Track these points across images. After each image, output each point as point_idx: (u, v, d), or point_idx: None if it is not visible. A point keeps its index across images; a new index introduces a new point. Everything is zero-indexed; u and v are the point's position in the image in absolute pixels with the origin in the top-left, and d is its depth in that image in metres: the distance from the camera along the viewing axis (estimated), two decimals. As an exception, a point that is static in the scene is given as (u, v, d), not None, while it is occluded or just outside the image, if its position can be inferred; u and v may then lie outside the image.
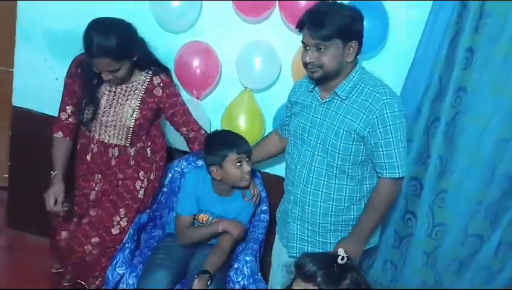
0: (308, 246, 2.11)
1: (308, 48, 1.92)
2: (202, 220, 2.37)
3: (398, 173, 1.94)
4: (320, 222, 2.07)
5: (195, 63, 2.50)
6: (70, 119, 2.31)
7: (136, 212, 2.39)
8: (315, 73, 1.94)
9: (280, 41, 2.51)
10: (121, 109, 2.26)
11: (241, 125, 2.52)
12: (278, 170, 2.66)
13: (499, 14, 2.11)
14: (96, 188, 2.36)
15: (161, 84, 2.29)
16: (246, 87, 2.56)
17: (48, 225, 2.89)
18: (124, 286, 2.25)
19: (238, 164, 2.23)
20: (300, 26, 1.93)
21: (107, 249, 2.36)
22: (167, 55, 2.50)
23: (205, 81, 2.58)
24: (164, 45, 2.55)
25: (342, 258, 1.50)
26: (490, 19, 2.13)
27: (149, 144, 2.39)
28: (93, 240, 2.33)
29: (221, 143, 2.26)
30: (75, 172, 2.43)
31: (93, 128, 2.30)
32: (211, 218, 2.37)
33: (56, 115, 2.79)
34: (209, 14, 2.56)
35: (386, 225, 2.45)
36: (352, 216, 2.06)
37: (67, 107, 2.30)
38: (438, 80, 2.28)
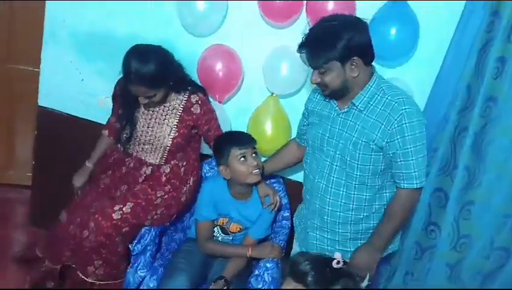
0: (328, 255, 2.09)
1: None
2: (222, 223, 2.37)
3: (416, 183, 1.94)
4: (340, 231, 2.06)
5: (218, 66, 2.49)
6: (117, 123, 2.41)
7: (145, 212, 2.35)
8: (324, 91, 1.96)
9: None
10: (159, 128, 2.31)
11: (267, 130, 2.51)
12: (301, 176, 2.63)
13: (532, 23, 2.07)
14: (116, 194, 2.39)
15: (199, 101, 2.33)
16: (272, 93, 2.54)
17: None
18: (145, 287, 2.26)
19: (243, 159, 2.21)
20: (300, 50, 1.93)
21: (107, 239, 2.32)
22: (190, 58, 2.50)
23: (228, 85, 2.57)
24: (187, 48, 2.56)
25: (338, 262, 1.45)
26: (523, 28, 2.08)
27: (184, 163, 2.41)
28: (91, 224, 2.31)
29: (223, 141, 2.28)
30: (98, 174, 2.49)
31: (132, 146, 2.36)
32: (229, 222, 2.36)
33: (80, 115, 2.86)
34: (235, 18, 2.55)
35: (407, 236, 2.40)
36: (372, 224, 2.05)
37: (114, 116, 2.47)
38: (466, 89, 2.23)
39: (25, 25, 3.08)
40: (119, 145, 2.42)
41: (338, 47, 1.83)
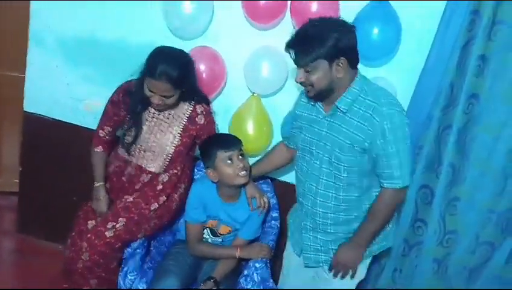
0: (321, 255, 2.13)
1: (298, 68, 1.95)
2: (212, 225, 2.37)
3: (399, 183, 1.95)
4: (332, 231, 2.08)
5: (202, 67, 2.50)
6: (107, 137, 2.40)
7: (137, 226, 2.35)
8: (309, 92, 1.97)
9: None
10: (162, 135, 2.32)
11: (249, 130, 2.52)
12: (288, 176, 2.66)
13: (512, 21, 2.11)
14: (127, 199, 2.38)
15: (204, 112, 2.35)
16: (254, 93, 2.56)
17: (57, 230, 2.93)
18: (134, 291, 2.26)
19: (229, 161, 2.21)
20: (287, 49, 1.95)
21: (101, 257, 2.31)
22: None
23: (211, 86, 2.57)
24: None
25: None
26: (503, 26, 2.12)
27: (180, 172, 2.40)
28: (84, 244, 2.31)
29: (210, 145, 2.27)
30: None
31: (133, 152, 2.34)
32: (218, 224, 2.36)
33: (67, 120, 2.84)
34: (220, 21, 2.56)
35: (395, 233, 2.43)
36: None
37: (105, 128, 2.39)
38: (449, 87, 2.27)
39: (9, 30, 3.07)
40: (120, 152, 2.39)
41: (327, 45, 1.85)
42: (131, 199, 2.35)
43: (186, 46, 2.55)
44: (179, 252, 2.38)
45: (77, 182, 2.83)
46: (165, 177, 2.37)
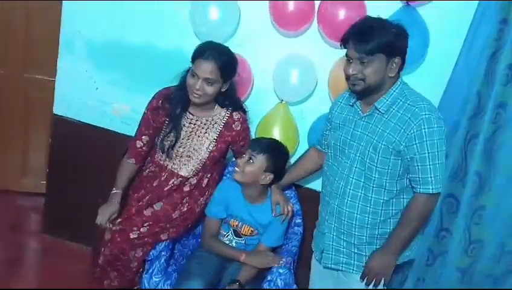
0: (343, 257, 2.11)
1: (351, 60, 1.94)
2: (234, 225, 2.40)
3: (432, 189, 1.94)
4: (356, 233, 2.07)
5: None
6: (144, 148, 2.42)
7: (162, 229, 2.40)
8: (356, 86, 1.95)
9: (317, 55, 2.53)
10: (198, 141, 2.36)
11: (275, 136, 2.53)
12: (313, 184, 2.67)
13: (541, 31, 2.10)
14: (155, 207, 2.40)
15: (240, 119, 2.40)
16: (282, 100, 2.58)
17: (82, 231, 2.98)
18: (159, 293, 2.29)
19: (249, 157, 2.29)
20: (344, 40, 1.96)
21: (120, 253, 2.36)
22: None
23: (238, 92, 2.60)
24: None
25: None
26: (532, 36, 2.11)
27: (208, 176, 2.44)
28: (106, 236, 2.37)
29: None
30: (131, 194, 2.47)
31: (167, 158, 2.37)
32: (240, 223, 2.39)
33: (95, 124, 2.89)
34: (247, 27, 2.60)
35: (419, 242, 2.42)
36: (388, 230, 2.06)
37: (143, 137, 2.41)
38: (476, 96, 2.25)
39: (41, 36, 3.15)
40: (156, 158, 2.41)
41: (388, 39, 1.88)
42: (159, 207, 2.38)
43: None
44: (202, 255, 2.40)
45: (102, 184, 2.85)
46: (193, 180, 2.40)
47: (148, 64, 2.77)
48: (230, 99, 2.38)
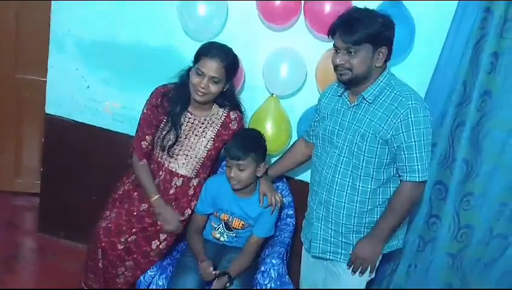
0: (330, 246, 2.14)
1: (339, 50, 1.97)
2: (224, 219, 2.42)
3: (419, 177, 1.97)
4: (344, 222, 2.10)
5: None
6: (149, 147, 2.41)
7: (178, 236, 2.43)
8: (344, 75, 1.99)
9: (305, 48, 2.55)
10: (196, 140, 2.37)
11: (268, 130, 2.56)
12: (305, 175, 2.70)
13: (524, 19, 2.14)
14: (140, 208, 2.40)
15: (237, 118, 2.42)
16: (272, 94, 2.61)
17: (77, 229, 3.01)
18: (154, 287, 2.31)
19: (228, 167, 2.30)
20: (332, 31, 1.99)
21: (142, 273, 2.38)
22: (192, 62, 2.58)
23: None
24: (189, 53, 2.63)
25: None
26: (515, 24, 2.15)
27: (207, 176, 2.47)
28: (127, 263, 2.35)
29: (231, 141, 2.35)
30: (129, 190, 2.46)
31: (164, 155, 2.39)
32: (231, 217, 2.41)
33: (87, 122, 2.91)
34: (235, 22, 2.62)
35: (410, 229, 2.46)
36: (375, 219, 2.09)
37: (146, 137, 2.39)
38: (462, 85, 2.30)
39: (31, 36, 3.16)
40: (156, 153, 2.42)
41: (374, 29, 1.91)
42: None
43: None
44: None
45: (96, 182, 2.91)
46: (195, 182, 2.42)
47: (138, 61, 2.78)
48: (229, 99, 2.40)
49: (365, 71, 1.96)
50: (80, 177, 3.03)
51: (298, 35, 2.55)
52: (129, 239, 2.33)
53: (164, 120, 2.36)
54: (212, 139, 2.39)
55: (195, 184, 2.42)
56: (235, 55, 2.33)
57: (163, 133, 2.36)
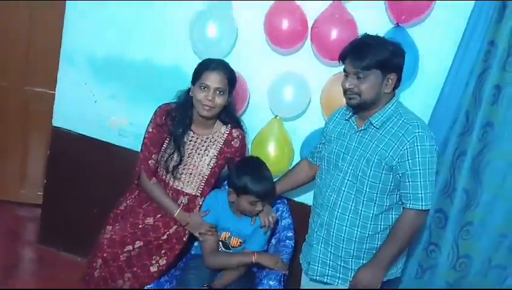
0: (329, 269, 2.14)
1: (349, 75, 2.01)
2: (225, 238, 2.43)
3: (422, 205, 1.98)
4: (344, 246, 2.10)
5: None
6: (156, 165, 2.41)
7: (177, 254, 2.43)
8: (352, 100, 2.02)
9: (310, 72, 2.59)
10: (199, 158, 2.40)
11: (271, 151, 2.59)
12: (306, 198, 2.72)
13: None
14: (146, 222, 2.41)
15: (239, 136, 2.45)
16: (276, 115, 2.64)
17: (78, 243, 3.01)
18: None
19: (253, 204, 2.32)
20: (343, 56, 2.03)
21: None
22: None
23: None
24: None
25: None
26: (518, 58, 2.19)
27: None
28: (126, 275, 2.36)
29: (247, 178, 2.29)
30: (133, 206, 2.47)
31: (169, 175, 2.40)
32: (230, 236, 2.42)
33: (93, 136, 2.93)
34: (243, 45, 2.67)
35: (409, 256, 2.46)
36: (376, 245, 2.09)
37: (153, 156, 2.39)
38: (464, 115, 2.33)
39: (42, 48, 3.21)
40: (160, 172, 2.42)
41: (384, 55, 1.95)
42: (173, 230, 2.40)
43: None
44: (197, 266, 2.43)
45: (99, 195, 2.92)
46: (200, 200, 2.44)
47: (146, 79, 2.83)
48: (230, 115, 2.43)
49: (373, 97, 1.99)
50: (82, 190, 3.04)
51: (305, 59, 2.59)
52: (132, 251, 2.34)
53: (167, 139, 2.38)
54: (215, 157, 2.40)
55: (200, 203, 2.44)
56: (231, 68, 2.37)
57: (167, 154, 2.37)
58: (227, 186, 2.44)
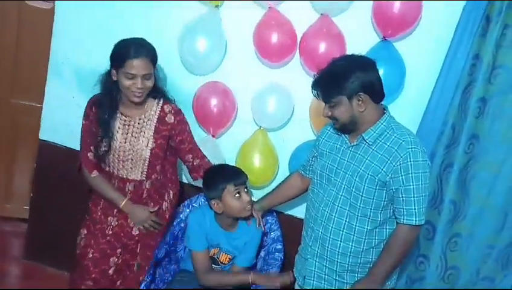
0: (324, 284, 2.15)
1: (325, 104, 2.07)
2: (214, 254, 2.41)
3: (416, 220, 1.99)
4: (339, 261, 2.11)
5: (213, 102, 2.61)
6: (95, 157, 2.39)
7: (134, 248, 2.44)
8: (335, 124, 2.09)
9: (299, 85, 2.60)
10: (135, 141, 2.35)
11: (256, 163, 2.59)
12: (295, 211, 2.72)
13: (511, 66, 2.22)
14: (112, 224, 2.42)
15: (172, 111, 2.39)
16: (260, 127, 2.65)
17: (64, 258, 2.96)
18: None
19: (237, 195, 2.28)
20: (313, 88, 2.09)
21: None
22: (187, 94, 2.65)
23: (221, 120, 2.68)
24: (186, 85, 2.69)
25: None
26: (502, 70, 2.24)
27: (162, 177, 2.46)
28: (118, 282, 2.40)
29: (218, 177, 2.31)
30: (91, 207, 2.50)
31: (111, 164, 2.39)
32: (220, 252, 2.40)
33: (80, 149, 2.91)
34: (232, 58, 2.68)
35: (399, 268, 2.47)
36: (370, 259, 2.10)
37: (91, 147, 2.38)
38: (451, 128, 2.36)
39: (29, 61, 3.20)
40: (102, 166, 2.41)
41: (345, 84, 1.97)
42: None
43: (199, 81, 2.67)
44: (184, 280, 2.41)
45: (86, 210, 2.89)
46: (147, 184, 2.41)
47: (135, 92, 2.82)
48: (157, 88, 2.37)
49: (349, 119, 2.03)
50: (69, 205, 3.00)
51: (292, 72, 2.61)
52: (117, 261, 2.35)
53: (98, 127, 2.34)
54: (152, 137, 2.35)
55: (147, 186, 2.41)
56: (149, 42, 2.29)
57: (97, 142, 2.34)
58: (208, 204, 2.40)
